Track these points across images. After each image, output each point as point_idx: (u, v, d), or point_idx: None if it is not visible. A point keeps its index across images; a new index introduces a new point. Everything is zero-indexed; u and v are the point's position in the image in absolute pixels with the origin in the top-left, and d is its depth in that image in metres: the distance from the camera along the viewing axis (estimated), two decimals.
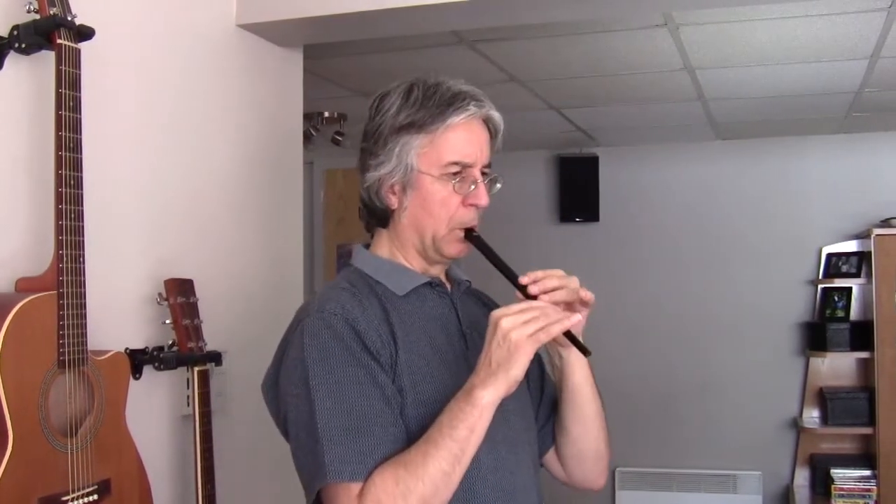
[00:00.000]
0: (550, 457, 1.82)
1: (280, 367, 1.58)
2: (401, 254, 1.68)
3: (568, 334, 1.53)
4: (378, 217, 1.68)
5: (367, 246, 1.74)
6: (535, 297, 1.54)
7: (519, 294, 1.56)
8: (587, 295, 1.58)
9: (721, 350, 5.88)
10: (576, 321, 1.51)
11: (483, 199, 1.63)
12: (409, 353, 1.57)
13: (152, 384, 2.26)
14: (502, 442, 1.61)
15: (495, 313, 1.49)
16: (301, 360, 1.51)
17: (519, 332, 1.44)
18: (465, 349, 1.66)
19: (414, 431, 1.51)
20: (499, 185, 1.68)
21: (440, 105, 1.59)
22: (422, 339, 1.60)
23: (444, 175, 1.60)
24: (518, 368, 1.45)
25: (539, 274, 1.56)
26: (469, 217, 1.63)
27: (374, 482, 1.43)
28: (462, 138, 1.61)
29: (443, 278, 1.73)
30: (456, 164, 1.60)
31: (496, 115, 1.66)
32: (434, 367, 1.59)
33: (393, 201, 1.64)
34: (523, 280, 1.56)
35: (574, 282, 1.58)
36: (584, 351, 1.58)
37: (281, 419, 1.59)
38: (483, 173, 1.64)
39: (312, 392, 1.48)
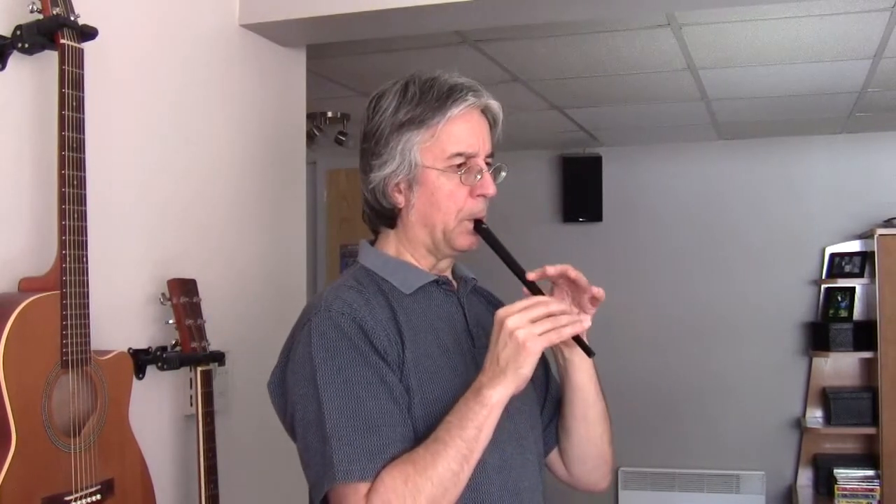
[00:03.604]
0: (554, 457, 1.81)
1: (286, 366, 1.57)
2: (409, 252, 1.67)
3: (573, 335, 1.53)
4: (384, 218, 1.67)
5: (373, 242, 1.73)
6: (541, 293, 1.54)
7: (525, 290, 1.55)
8: (599, 292, 1.58)
9: (724, 350, 5.88)
10: (586, 326, 1.50)
11: (490, 188, 1.62)
12: (415, 352, 1.56)
13: (155, 384, 2.26)
14: (508, 441, 1.60)
15: (500, 312, 1.48)
16: (308, 360, 1.51)
17: (526, 330, 1.44)
18: (472, 348, 1.65)
19: (421, 431, 1.50)
20: (504, 174, 1.68)
21: (438, 98, 1.59)
22: (429, 338, 1.60)
23: (449, 167, 1.60)
24: (526, 367, 1.44)
25: (549, 269, 1.56)
26: (478, 208, 1.63)
27: (382, 482, 1.42)
28: (463, 129, 1.60)
29: (449, 276, 1.72)
30: (459, 154, 1.60)
31: (494, 104, 1.65)
32: (441, 366, 1.58)
33: (399, 200, 1.63)
34: (531, 276, 1.55)
35: (582, 279, 1.58)
36: (588, 352, 1.57)
37: (287, 418, 1.57)
38: (487, 163, 1.64)
39: (320, 391, 1.47)
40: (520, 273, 1.58)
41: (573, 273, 1.57)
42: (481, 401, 1.44)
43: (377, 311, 1.55)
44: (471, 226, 1.64)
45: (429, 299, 1.65)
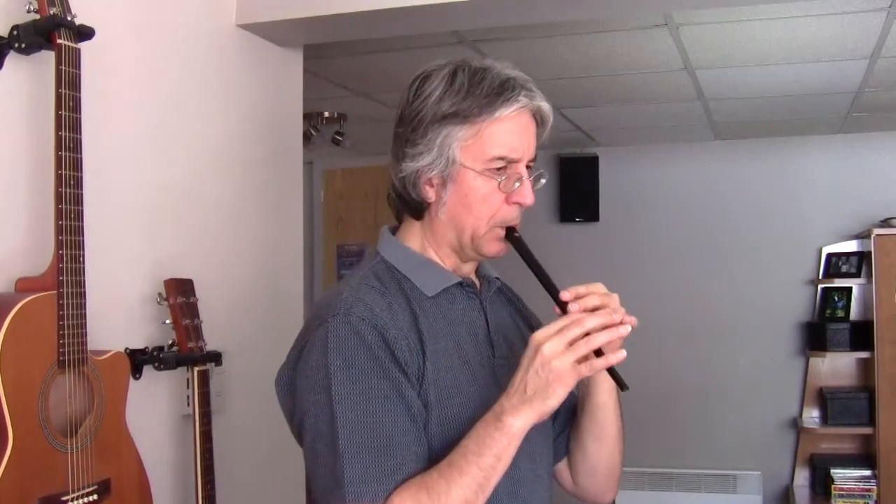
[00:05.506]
0: (561, 467, 1.75)
1: (297, 366, 1.48)
2: (433, 249, 1.58)
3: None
4: (411, 209, 1.57)
5: (394, 230, 1.63)
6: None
7: (557, 309, 1.44)
8: (633, 321, 1.43)
9: (721, 350, 5.88)
10: (622, 358, 1.38)
11: (528, 197, 1.52)
12: (436, 364, 1.47)
13: (152, 384, 2.26)
14: (522, 457, 1.48)
15: (537, 336, 1.38)
16: (324, 366, 1.41)
17: (561, 360, 1.35)
18: (492, 357, 1.57)
19: (436, 449, 1.43)
20: (543, 181, 1.56)
21: (488, 94, 1.47)
22: (449, 347, 1.51)
23: (488, 170, 1.49)
24: (555, 399, 1.36)
25: (581, 290, 1.44)
26: (512, 216, 1.53)
27: None
28: (510, 131, 1.49)
29: (473, 276, 1.63)
30: (501, 158, 1.49)
31: (546, 106, 1.53)
32: (461, 380, 1.50)
33: (430, 195, 1.53)
34: (565, 296, 1.43)
35: (615, 300, 1.45)
36: (621, 385, 1.46)
37: (295, 422, 1.49)
38: (528, 167, 1.53)
39: (334, 402, 1.39)
40: (553, 290, 1.47)
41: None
42: (501, 428, 1.36)
43: (399, 317, 1.46)
44: (502, 233, 1.54)
45: (451, 302, 1.56)
